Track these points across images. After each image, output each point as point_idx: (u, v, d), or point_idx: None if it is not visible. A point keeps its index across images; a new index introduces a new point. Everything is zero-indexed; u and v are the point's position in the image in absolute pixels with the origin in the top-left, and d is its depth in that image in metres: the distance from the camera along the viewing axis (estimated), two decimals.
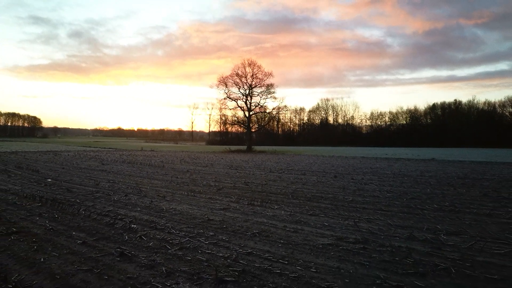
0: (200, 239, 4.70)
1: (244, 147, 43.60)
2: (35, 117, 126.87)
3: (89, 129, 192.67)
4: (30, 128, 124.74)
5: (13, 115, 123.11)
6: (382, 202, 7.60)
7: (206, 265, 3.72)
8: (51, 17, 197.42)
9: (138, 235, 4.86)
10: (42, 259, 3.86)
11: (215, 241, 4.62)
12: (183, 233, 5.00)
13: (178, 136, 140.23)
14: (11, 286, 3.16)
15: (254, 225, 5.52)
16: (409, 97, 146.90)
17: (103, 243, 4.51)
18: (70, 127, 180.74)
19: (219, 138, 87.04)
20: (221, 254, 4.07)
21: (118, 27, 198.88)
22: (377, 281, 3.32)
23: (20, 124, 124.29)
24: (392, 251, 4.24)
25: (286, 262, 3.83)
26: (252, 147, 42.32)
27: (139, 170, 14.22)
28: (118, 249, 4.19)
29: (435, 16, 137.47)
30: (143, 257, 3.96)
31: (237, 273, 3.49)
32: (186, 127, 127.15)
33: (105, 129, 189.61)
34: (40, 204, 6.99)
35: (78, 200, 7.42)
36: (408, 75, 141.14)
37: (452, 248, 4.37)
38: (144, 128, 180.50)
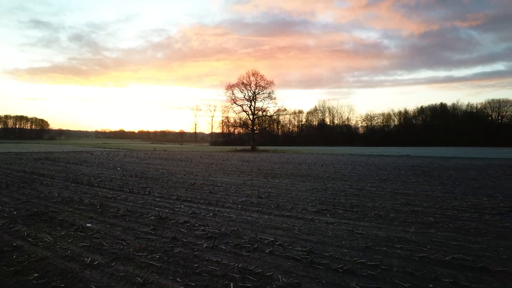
0: (243, 188, 9.30)
1: (248, 147, 48.33)
2: (42, 120, 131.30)
3: (90, 131, 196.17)
4: (38, 130, 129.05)
5: (21, 118, 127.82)
6: (346, 177, 12.21)
7: (251, 194, 8.33)
8: (52, 21, 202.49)
9: (211, 187, 9.44)
10: (174, 194, 8.43)
11: (252, 189, 9.22)
12: (233, 188, 9.58)
13: (180, 137, 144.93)
14: (173, 199, 7.73)
15: (269, 185, 10.11)
16: (407, 98, 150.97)
17: (195, 190, 9.07)
18: (71, 129, 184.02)
19: (222, 139, 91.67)
20: (256, 192, 8.67)
21: (119, 30, 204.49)
22: (326, 197, 7.92)
23: (28, 127, 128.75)
24: (338, 191, 8.85)
25: (287, 193, 8.44)
26: (256, 146, 46.96)
27: (176, 164, 18.77)
28: (207, 190, 8.79)
29: (430, 19, 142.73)
30: (220, 192, 8.56)
31: (266, 195, 8.10)
32: (187, 129, 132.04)
33: (107, 131, 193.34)
34: (137, 178, 11.56)
35: (157, 177, 11.96)
36: (406, 76, 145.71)
37: (367, 191, 8.98)
38: (146, 130, 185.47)
